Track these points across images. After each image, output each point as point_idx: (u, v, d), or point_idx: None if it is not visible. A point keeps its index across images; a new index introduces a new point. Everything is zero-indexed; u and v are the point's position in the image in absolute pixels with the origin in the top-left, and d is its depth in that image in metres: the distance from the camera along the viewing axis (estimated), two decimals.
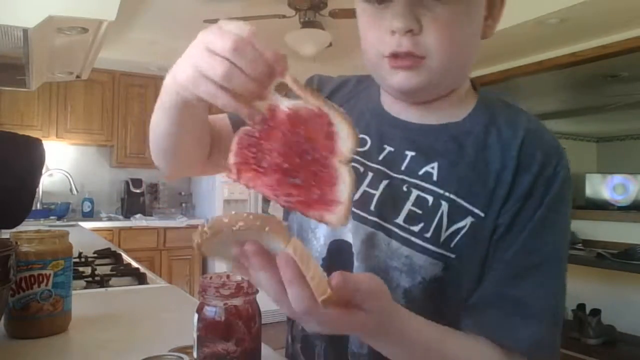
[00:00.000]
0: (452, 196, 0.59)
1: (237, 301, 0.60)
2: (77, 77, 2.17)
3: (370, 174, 0.64)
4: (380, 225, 0.61)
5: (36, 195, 2.58)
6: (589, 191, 8.59)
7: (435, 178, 0.61)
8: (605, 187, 8.50)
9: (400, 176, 0.62)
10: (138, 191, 4.43)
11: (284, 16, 3.25)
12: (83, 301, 1.06)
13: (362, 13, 0.61)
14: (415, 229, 0.59)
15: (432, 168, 0.61)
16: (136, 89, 4.47)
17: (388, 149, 0.64)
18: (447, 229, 0.59)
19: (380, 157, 0.64)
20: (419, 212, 0.60)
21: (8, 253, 0.76)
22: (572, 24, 3.10)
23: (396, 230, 0.60)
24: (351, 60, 4.68)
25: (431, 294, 0.59)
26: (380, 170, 0.63)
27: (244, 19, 3.43)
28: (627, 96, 5.90)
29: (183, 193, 4.82)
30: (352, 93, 0.74)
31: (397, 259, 0.60)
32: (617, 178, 8.34)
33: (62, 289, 0.87)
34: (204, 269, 4.38)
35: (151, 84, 4.51)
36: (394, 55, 0.58)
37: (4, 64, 1.74)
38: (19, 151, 0.93)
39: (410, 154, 0.63)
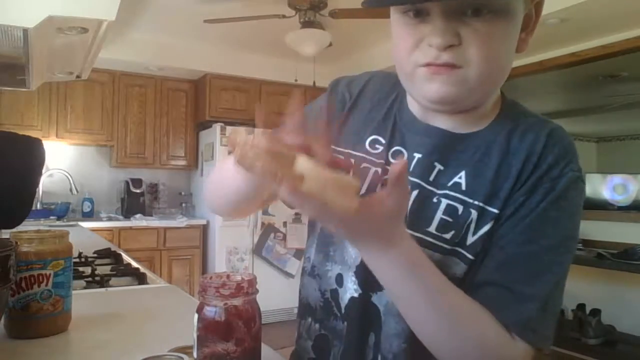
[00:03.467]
0: (480, 204, 0.61)
1: (237, 301, 0.60)
2: (77, 77, 2.16)
3: None
4: (411, 235, 0.59)
5: (36, 195, 2.58)
6: (589, 191, 8.57)
7: (464, 187, 0.62)
8: (605, 187, 8.50)
9: (430, 187, 0.64)
10: (138, 191, 4.43)
11: (284, 16, 3.25)
12: (83, 301, 1.06)
13: (396, 23, 0.61)
14: (447, 236, 0.61)
15: (460, 178, 0.63)
16: (136, 89, 4.47)
17: (417, 156, 0.65)
18: (474, 234, 0.60)
19: (410, 167, 0.65)
20: (450, 220, 0.61)
21: (8, 253, 0.76)
22: (572, 24, 3.10)
23: (428, 238, 0.61)
24: (351, 60, 4.69)
25: None
26: (410, 180, 0.64)
27: (244, 19, 3.43)
28: (627, 96, 5.90)
29: (183, 193, 4.82)
30: (385, 97, 0.73)
31: None
32: (617, 178, 8.33)
33: (62, 289, 0.87)
34: (204, 269, 4.38)
35: (151, 84, 4.51)
36: (431, 65, 0.57)
37: (4, 64, 1.74)
38: (19, 151, 0.93)
39: (438, 166, 0.64)
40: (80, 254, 1.72)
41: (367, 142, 0.69)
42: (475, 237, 0.60)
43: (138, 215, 4.25)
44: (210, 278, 0.63)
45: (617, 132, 9.42)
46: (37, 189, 1.00)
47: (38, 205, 3.97)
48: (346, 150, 0.70)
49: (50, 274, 0.85)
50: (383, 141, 0.69)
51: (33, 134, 1.18)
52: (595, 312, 3.16)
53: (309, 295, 0.74)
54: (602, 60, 3.55)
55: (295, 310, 0.76)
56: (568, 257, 0.60)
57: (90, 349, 0.82)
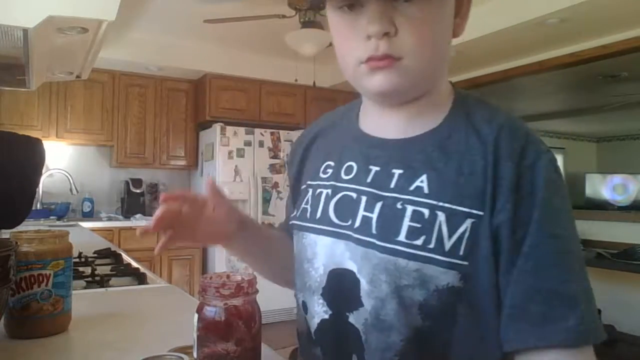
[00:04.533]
0: (446, 205, 0.58)
1: (237, 301, 0.60)
2: (77, 77, 2.16)
3: (364, 198, 0.63)
4: (384, 247, 0.60)
5: (36, 195, 2.58)
6: (589, 191, 8.59)
7: (426, 191, 0.60)
8: (605, 187, 8.50)
9: (392, 194, 0.62)
10: (138, 191, 4.43)
11: (284, 16, 3.25)
12: (83, 301, 1.06)
13: (335, 24, 0.62)
14: (418, 242, 0.58)
15: (422, 182, 0.61)
16: (136, 89, 4.47)
17: (374, 169, 0.64)
18: (449, 237, 0.57)
19: (369, 179, 0.64)
20: (418, 226, 0.59)
21: (8, 253, 0.76)
22: (572, 24, 3.10)
23: (400, 247, 0.59)
24: None
25: (449, 302, 0.57)
26: (371, 193, 0.63)
27: (244, 19, 3.43)
28: (627, 96, 5.90)
29: None
30: (336, 129, 0.75)
31: (406, 276, 0.58)
32: (617, 178, 8.34)
33: (62, 289, 0.87)
34: (204, 269, 4.38)
35: (151, 84, 4.51)
36: (372, 59, 0.58)
37: (4, 64, 1.73)
38: (19, 151, 0.93)
39: (397, 171, 0.63)
40: (80, 254, 1.72)
41: (320, 171, 0.71)
42: (453, 239, 0.57)
43: (138, 215, 4.25)
44: (210, 278, 0.63)
45: (617, 132, 9.42)
46: (37, 189, 1.00)
47: (38, 205, 3.97)
48: (305, 184, 0.74)
49: (50, 274, 0.85)
50: (333, 164, 0.70)
51: (33, 134, 1.18)
52: None
53: (298, 324, 0.73)
54: (602, 60, 3.55)
55: (295, 311, 0.76)
56: (576, 232, 0.59)
57: (90, 349, 0.82)
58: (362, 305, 0.60)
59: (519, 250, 0.56)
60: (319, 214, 0.67)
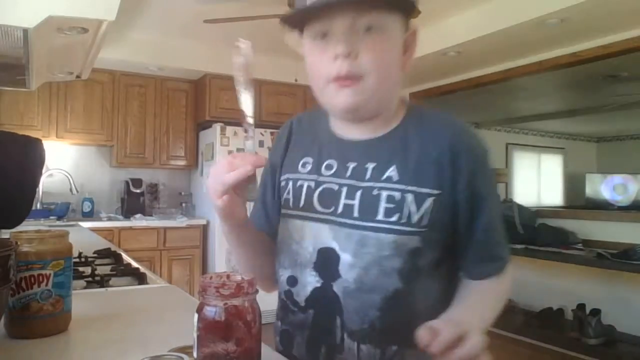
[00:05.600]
0: (412, 188, 0.76)
1: (237, 301, 0.60)
2: (77, 77, 2.16)
3: (344, 189, 0.79)
4: (366, 226, 0.76)
5: (36, 195, 2.58)
6: (589, 191, 8.58)
7: (396, 178, 0.77)
8: (605, 187, 8.50)
9: (368, 184, 0.78)
10: (138, 191, 4.43)
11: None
12: (83, 301, 1.06)
13: (309, 50, 0.76)
14: (394, 219, 0.75)
15: (391, 171, 0.77)
16: (136, 89, 4.47)
17: (352, 165, 0.80)
18: (417, 212, 0.75)
19: (348, 174, 0.80)
20: (392, 206, 0.75)
21: (8, 253, 0.76)
22: (572, 24, 3.10)
23: (382, 225, 0.75)
24: None
25: (415, 260, 0.75)
26: (351, 184, 0.79)
27: (244, 19, 3.43)
28: (627, 96, 5.90)
29: (183, 193, 4.82)
30: (309, 131, 0.90)
31: (387, 247, 0.75)
32: (617, 178, 8.34)
33: (62, 289, 0.87)
34: (204, 269, 4.38)
35: (151, 84, 4.51)
36: (338, 78, 0.72)
37: (4, 64, 1.73)
38: (19, 151, 0.93)
39: (371, 165, 0.79)
40: (80, 254, 1.72)
41: (299, 165, 0.85)
42: (420, 213, 0.75)
43: (138, 215, 4.25)
44: (210, 278, 0.63)
45: (617, 132, 9.42)
46: (37, 189, 1.00)
47: (38, 205, 3.97)
48: (284, 176, 0.88)
49: (50, 274, 0.85)
50: (311, 160, 0.85)
51: (33, 134, 1.18)
52: (595, 312, 3.16)
53: (283, 298, 0.87)
54: (602, 60, 3.55)
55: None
56: (499, 202, 0.88)
57: (90, 349, 0.82)
58: (340, 276, 0.76)
59: (477, 218, 0.78)
60: (302, 203, 0.82)
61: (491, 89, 4.89)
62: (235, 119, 4.47)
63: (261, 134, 4.34)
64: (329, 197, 0.80)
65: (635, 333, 3.14)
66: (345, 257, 0.76)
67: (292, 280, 0.82)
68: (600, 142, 10.09)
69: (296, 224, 0.82)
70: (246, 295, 0.61)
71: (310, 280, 0.79)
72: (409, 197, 0.75)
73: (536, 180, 9.27)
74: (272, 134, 4.38)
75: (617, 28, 3.20)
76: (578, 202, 8.72)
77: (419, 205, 0.75)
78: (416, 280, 0.76)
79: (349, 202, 0.78)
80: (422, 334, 0.61)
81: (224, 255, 4.19)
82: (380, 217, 0.75)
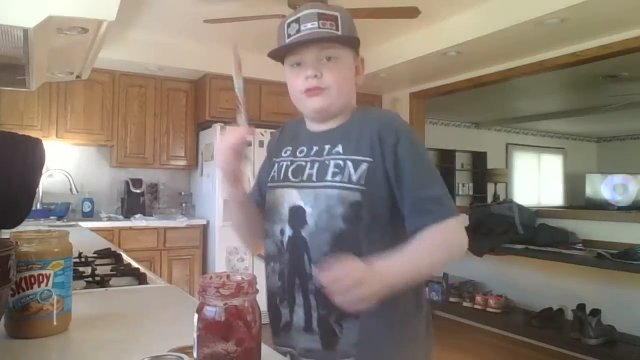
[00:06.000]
0: (352, 157, 1.03)
1: (237, 301, 0.60)
2: (77, 77, 2.16)
3: (309, 163, 1.09)
4: (320, 185, 1.04)
5: (36, 195, 2.57)
6: (589, 191, 8.59)
7: (341, 152, 1.05)
8: (605, 187, 8.51)
9: (324, 157, 1.07)
10: (138, 191, 4.43)
11: (284, 16, 3.24)
12: (83, 301, 1.06)
13: (288, 75, 1.10)
14: (338, 179, 1.02)
15: (339, 147, 1.06)
16: (136, 89, 4.47)
17: (315, 148, 1.10)
18: (355, 173, 1.01)
19: (312, 153, 1.10)
20: (337, 170, 1.03)
21: (8, 253, 0.76)
22: (572, 24, 3.10)
23: (329, 183, 1.03)
24: None
25: (358, 212, 1.00)
26: (313, 160, 1.09)
27: (244, 19, 3.41)
28: (627, 96, 5.90)
29: (183, 193, 4.82)
30: (292, 130, 1.21)
31: (334, 198, 1.01)
32: (617, 178, 8.34)
33: (62, 289, 0.87)
34: (204, 269, 4.38)
35: (151, 84, 4.51)
36: (308, 90, 1.05)
37: (4, 64, 1.73)
38: (19, 151, 0.93)
39: (327, 146, 1.08)
40: (80, 254, 1.72)
41: (282, 152, 1.17)
42: (357, 175, 1.01)
43: (138, 215, 4.25)
44: (210, 278, 0.64)
45: (617, 132, 9.43)
46: (37, 189, 1.00)
47: (38, 205, 3.97)
48: (273, 160, 1.18)
49: (50, 274, 0.85)
50: (290, 148, 1.15)
51: (33, 134, 1.18)
52: (595, 312, 3.16)
53: (268, 248, 1.12)
54: (602, 60, 3.55)
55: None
56: (430, 162, 1.05)
57: (90, 349, 0.82)
58: (306, 223, 1.03)
59: (402, 177, 1.00)
60: (282, 177, 1.11)
61: (491, 89, 4.89)
62: (235, 118, 4.47)
63: (261, 134, 4.34)
64: (298, 170, 1.09)
65: (635, 333, 3.14)
66: (307, 209, 1.04)
67: (280, 232, 1.09)
68: (600, 142, 10.10)
69: (277, 192, 1.11)
70: (246, 295, 0.61)
71: (287, 231, 1.07)
72: (349, 164, 1.03)
73: (536, 180, 9.27)
74: (271, 133, 4.38)
75: (617, 28, 3.20)
76: (578, 202, 8.72)
77: (356, 169, 1.02)
78: (358, 225, 1.00)
79: (310, 171, 1.07)
80: (323, 272, 0.85)
81: (224, 255, 4.19)
82: (328, 178, 1.03)
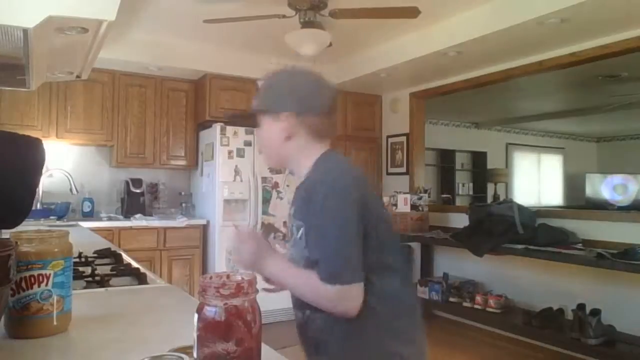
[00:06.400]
0: (297, 222, 1.16)
1: (237, 301, 0.60)
2: (77, 77, 2.16)
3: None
4: (291, 240, 1.21)
5: (36, 195, 2.57)
6: (589, 191, 8.59)
7: (293, 214, 1.19)
8: (605, 187, 8.51)
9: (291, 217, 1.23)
10: (138, 191, 4.43)
11: (284, 16, 3.25)
12: (83, 301, 1.06)
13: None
14: (297, 236, 1.16)
15: (293, 209, 1.19)
16: (136, 89, 4.47)
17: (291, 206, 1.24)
18: (298, 235, 1.15)
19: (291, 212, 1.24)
20: (294, 232, 1.17)
21: (8, 253, 0.76)
22: (572, 24, 3.10)
23: (294, 241, 1.18)
24: (351, 60, 4.69)
25: (308, 264, 1.12)
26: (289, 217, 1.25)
27: (244, 19, 3.42)
28: (627, 96, 5.90)
29: (183, 193, 4.82)
30: None
31: (297, 254, 1.15)
32: (617, 178, 8.35)
33: (62, 289, 0.87)
34: (204, 269, 4.38)
35: (151, 84, 4.51)
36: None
37: (4, 64, 1.73)
38: (19, 151, 0.93)
39: (292, 207, 1.21)
40: (80, 254, 1.72)
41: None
42: (299, 235, 1.15)
43: (138, 215, 4.25)
44: (210, 278, 0.64)
45: (617, 132, 9.42)
46: (37, 189, 1.00)
47: (38, 205, 3.97)
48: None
49: (50, 274, 0.85)
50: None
51: (33, 134, 1.18)
52: (595, 312, 3.16)
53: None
54: (602, 60, 3.55)
55: (293, 311, 1.27)
56: (333, 227, 1.08)
57: (90, 349, 0.82)
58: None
59: (308, 238, 1.12)
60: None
61: (491, 89, 4.89)
62: (234, 122, 4.46)
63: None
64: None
65: (635, 333, 3.14)
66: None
67: None
68: (600, 142, 10.09)
69: None
70: (246, 295, 0.61)
71: None
72: (294, 227, 1.17)
73: (536, 180, 9.27)
74: None
75: (617, 28, 3.20)
76: (578, 202, 8.72)
77: (297, 230, 1.16)
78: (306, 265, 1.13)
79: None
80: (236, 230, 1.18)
81: (224, 255, 4.19)
82: (295, 236, 1.17)
